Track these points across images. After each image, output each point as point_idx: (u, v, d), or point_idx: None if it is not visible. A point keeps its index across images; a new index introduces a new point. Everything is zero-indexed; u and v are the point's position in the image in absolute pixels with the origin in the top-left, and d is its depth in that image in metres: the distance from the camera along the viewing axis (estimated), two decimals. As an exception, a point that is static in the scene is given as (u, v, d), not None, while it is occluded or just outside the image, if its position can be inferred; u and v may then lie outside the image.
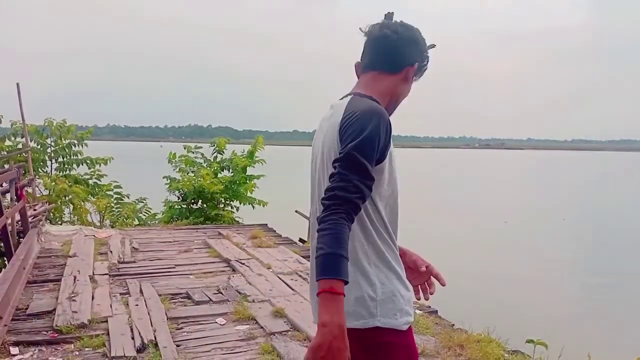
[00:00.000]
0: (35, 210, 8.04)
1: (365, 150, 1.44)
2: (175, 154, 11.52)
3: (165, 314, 4.24)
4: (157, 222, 11.11)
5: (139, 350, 3.49)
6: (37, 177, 10.04)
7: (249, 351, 3.60)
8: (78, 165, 11.39)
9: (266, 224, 9.21)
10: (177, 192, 10.95)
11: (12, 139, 10.86)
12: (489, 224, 20.58)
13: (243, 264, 6.12)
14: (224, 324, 4.13)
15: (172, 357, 3.40)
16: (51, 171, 11.23)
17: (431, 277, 1.87)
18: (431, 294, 1.88)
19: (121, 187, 11.70)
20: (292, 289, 5.14)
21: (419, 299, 1.88)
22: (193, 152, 11.69)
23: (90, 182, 11.35)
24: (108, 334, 3.77)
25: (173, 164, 11.42)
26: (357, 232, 1.57)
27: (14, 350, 3.46)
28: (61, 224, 9.73)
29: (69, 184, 10.45)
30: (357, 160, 1.42)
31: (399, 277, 1.62)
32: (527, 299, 11.11)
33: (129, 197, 11.70)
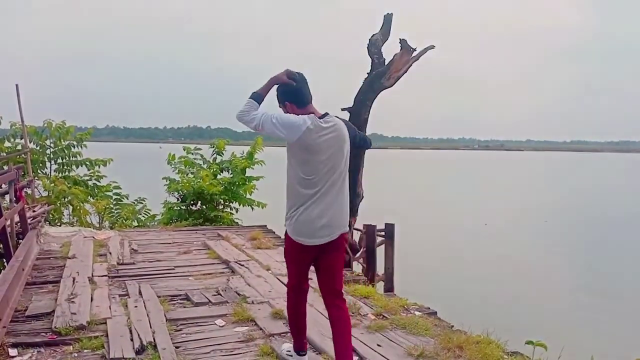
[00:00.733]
0: (34, 211, 8.03)
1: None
2: (174, 155, 11.53)
3: (165, 315, 4.23)
4: (156, 223, 11.10)
5: (137, 352, 3.49)
6: (36, 178, 10.03)
7: (248, 353, 3.59)
8: (77, 167, 11.38)
9: (265, 226, 9.21)
10: (177, 193, 10.94)
11: (11, 140, 10.85)
12: (488, 226, 20.61)
13: (242, 265, 6.12)
14: (223, 326, 4.13)
15: (171, 359, 3.39)
16: (50, 172, 11.23)
17: None
18: None
19: (120, 188, 11.70)
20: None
21: None
22: (192, 154, 11.68)
23: (90, 183, 11.34)
24: (107, 335, 3.77)
25: (172, 165, 11.41)
26: (346, 186, 3.13)
27: (12, 352, 3.46)
28: (60, 226, 9.73)
29: (68, 185, 10.44)
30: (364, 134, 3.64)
31: None
32: (527, 300, 11.13)
33: (128, 198, 11.70)
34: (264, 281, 5.46)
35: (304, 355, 3.39)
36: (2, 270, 5.31)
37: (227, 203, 11.08)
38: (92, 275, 5.45)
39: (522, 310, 10.25)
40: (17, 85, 8.90)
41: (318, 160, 2.94)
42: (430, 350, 3.63)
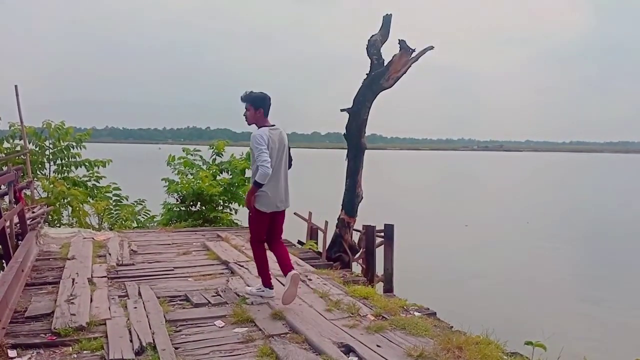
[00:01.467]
0: (33, 212, 8.03)
1: None
2: (174, 156, 11.52)
3: (164, 316, 4.23)
4: (155, 224, 11.09)
5: (137, 353, 3.48)
6: (35, 179, 10.02)
7: (247, 354, 3.59)
8: (76, 168, 11.36)
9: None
10: (176, 194, 10.93)
11: (11, 141, 10.82)
12: (488, 227, 20.62)
13: (242, 266, 6.11)
14: (222, 327, 4.12)
15: (171, 360, 3.39)
16: (49, 173, 11.21)
17: None
18: None
19: (120, 189, 11.68)
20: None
21: None
22: (192, 155, 11.67)
23: (89, 184, 11.31)
24: (106, 336, 3.76)
25: (172, 167, 11.41)
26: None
27: (12, 353, 3.45)
28: (60, 227, 9.72)
29: (68, 186, 10.42)
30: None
31: None
32: (527, 301, 11.13)
33: (127, 199, 11.68)
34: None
35: (272, 289, 4.89)
36: (2, 272, 5.31)
37: (226, 204, 11.09)
38: (92, 277, 5.45)
39: (522, 311, 10.26)
40: (16, 87, 8.89)
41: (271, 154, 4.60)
42: (430, 351, 3.62)
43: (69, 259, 6.18)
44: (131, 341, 3.66)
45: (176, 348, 3.61)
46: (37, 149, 11.02)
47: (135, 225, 11.12)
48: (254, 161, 4.61)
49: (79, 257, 6.32)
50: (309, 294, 5.09)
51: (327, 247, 9.07)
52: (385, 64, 8.78)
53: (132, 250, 6.97)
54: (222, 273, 5.93)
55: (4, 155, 10.36)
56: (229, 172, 11.29)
